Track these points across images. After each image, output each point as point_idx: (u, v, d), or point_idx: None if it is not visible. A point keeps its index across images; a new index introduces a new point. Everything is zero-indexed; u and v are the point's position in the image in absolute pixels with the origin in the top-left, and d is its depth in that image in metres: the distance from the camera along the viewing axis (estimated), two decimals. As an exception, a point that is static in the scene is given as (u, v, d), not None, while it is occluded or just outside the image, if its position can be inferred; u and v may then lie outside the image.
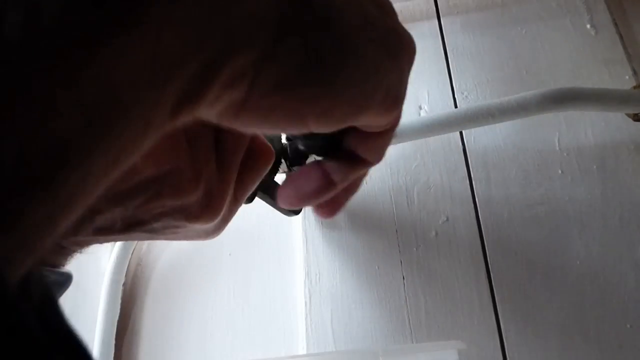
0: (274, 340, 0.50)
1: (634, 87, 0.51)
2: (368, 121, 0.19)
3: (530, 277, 0.46)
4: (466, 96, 0.56)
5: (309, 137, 0.21)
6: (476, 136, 0.53)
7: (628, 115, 0.50)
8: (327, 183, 0.22)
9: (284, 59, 0.14)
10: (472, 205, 0.50)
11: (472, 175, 0.52)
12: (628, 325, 0.43)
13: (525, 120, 0.47)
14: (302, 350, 0.48)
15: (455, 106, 0.56)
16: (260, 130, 0.16)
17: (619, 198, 0.47)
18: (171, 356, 0.51)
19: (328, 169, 0.22)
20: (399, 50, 0.18)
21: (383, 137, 0.21)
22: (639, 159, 0.49)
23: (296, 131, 0.17)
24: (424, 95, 0.57)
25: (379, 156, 0.22)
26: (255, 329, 0.51)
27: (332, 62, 0.15)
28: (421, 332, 0.46)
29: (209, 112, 0.14)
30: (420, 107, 0.57)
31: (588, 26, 0.56)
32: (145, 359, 0.52)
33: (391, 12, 0.19)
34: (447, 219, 0.50)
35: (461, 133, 0.54)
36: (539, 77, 0.55)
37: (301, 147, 0.24)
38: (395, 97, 0.19)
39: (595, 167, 0.49)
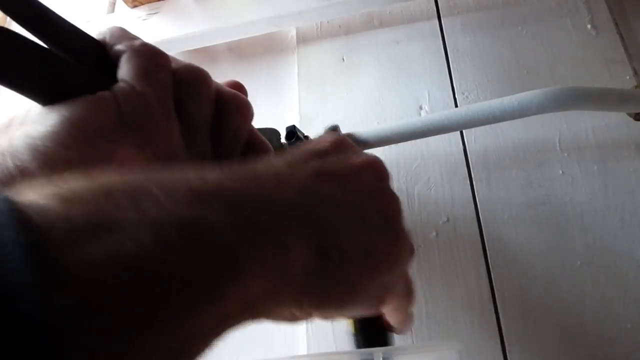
0: (274, 340, 0.50)
1: (635, 87, 0.51)
2: (364, 312, 0.25)
3: (530, 278, 0.46)
4: (467, 96, 0.56)
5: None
6: (476, 136, 0.53)
7: (629, 115, 0.50)
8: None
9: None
10: (473, 206, 0.50)
11: (472, 176, 0.52)
12: (628, 325, 0.43)
13: (525, 120, 0.47)
14: (302, 350, 0.48)
15: (456, 106, 0.56)
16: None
17: (619, 198, 0.47)
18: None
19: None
20: (384, 269, 0.23)
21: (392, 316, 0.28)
22: None
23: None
24: (424, 95, 0.57)
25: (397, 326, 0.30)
26: (255, 329, 0.51)
27: (334, 274, 0.22)
28: (421, 332, 0.46)
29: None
30: (420, 107, 0.57)
31: (588, 26, 0.56)
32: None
33: (393, 225, 0.25)
34: (448, 219, 0.50)
35: (461, 133, 0.54)
36: (539, 77, 0.55)
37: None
38: (379, 299, 0.24)
39: (596, 167, 0.49)
